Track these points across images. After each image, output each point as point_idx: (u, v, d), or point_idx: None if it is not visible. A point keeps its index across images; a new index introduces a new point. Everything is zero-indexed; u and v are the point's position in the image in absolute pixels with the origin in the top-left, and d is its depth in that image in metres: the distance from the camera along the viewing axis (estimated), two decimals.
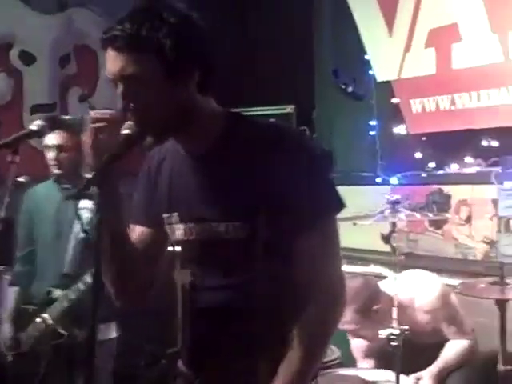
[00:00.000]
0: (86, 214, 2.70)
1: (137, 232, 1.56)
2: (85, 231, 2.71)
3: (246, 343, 1.46)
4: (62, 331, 2.73)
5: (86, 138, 1.38)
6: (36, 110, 4.67)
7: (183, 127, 1.42)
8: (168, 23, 1.34)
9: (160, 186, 1.55)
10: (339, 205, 1.47)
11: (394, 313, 2.41)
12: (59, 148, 2.87)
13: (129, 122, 1.36)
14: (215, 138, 1.46)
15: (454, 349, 2.72)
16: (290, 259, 1.44)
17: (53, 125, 2.70)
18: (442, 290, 2.75)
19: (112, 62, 1.36)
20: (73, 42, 4.89)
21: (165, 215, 1.54)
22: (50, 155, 2.88)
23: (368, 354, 2.91)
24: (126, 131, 1.36)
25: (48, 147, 2.87)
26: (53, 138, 2.86)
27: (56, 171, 2.90)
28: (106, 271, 1.44)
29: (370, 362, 2.90)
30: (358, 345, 2.93)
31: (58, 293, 2.75)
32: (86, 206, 2.68)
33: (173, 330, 1.65)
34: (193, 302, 1.56)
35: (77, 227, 2.78)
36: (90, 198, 1.34)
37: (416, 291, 2.76)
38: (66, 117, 2.89)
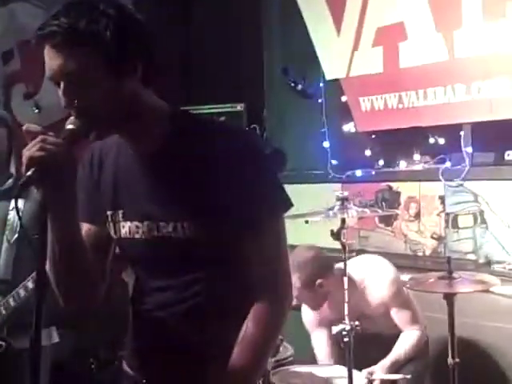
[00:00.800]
0: (16, 216, 2.63)
1: (83, 229, 1.51)
2: (19, 232, 2.64)
3: (193, 344, 1.45)
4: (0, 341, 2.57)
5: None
6: None
7: (129, 123, 1.39)
8: (106, 15, 1.30)
9: (104, 183, 1.52)
10: (286, 204, 1.48)
11: (346, 309, 2.43)
12: None
13: (72, 118, 1.33)
14: (162, 136, 1.43)
15: (406, 340, 2.77)
16: (237, 258, 1.45)
17: None
18: (395, 275, 2.82)
19: (50, 60, 1.32)
20: (16, 37, 4.75)
21: (108, 212, 1.51)
22: None
23: (319, 324, 2.95)
24: (69, 126, 1.32)
25: None
26: None
27: None
28: (53, 272, 1.40)
29: (324, 332, 2.93)
30: (307, 318, 2.99)
31: None
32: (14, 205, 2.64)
33: (124, 331, 1.62)
34: (140, 304, 1.54)
35: (8, 228, 2.65)
36: (19, 196, 1.30)
37: (369, 273, 2.82)
38: None
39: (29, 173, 1.24)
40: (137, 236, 1.48)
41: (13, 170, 2.73)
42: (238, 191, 1.40)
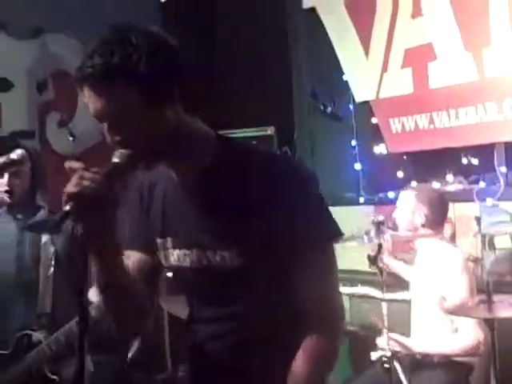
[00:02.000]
0: (50, 248, 2.66)
1: (132, 258, 1.52)
2: (54, 265, 2.64)
3: (243, 374, 1.44)
4: (52, 375, 2.55)
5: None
6: (15, 137, 4.63)
7: (174, 152, 1.40)
8: (138, 48, 1.30)
9: (153, 211, 1.52)
10: (335, 233, 1.44)
11: (385, 335, 2.41)
12: (12, 173, 2.62)
13: (119, 151, 1.34)
14: (207, 163, 1.43)
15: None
16: (287, 288, 1.41)
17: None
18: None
19: (89, 100, 1.33)
20: (50, 67, 4.86)
21: (158, 240, 1.51)
22: (2, 181, 2.61)
23: None
24: (114, 160, 1.33)
25: None
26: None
27: (8, 200, 2.66)
28: (105, 305, 1.43)
29: None
30: None
31: (38, 336, 2.57)
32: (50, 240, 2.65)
33: (159, 356, 1.64)
34: (193, 332, 1.54)
35: (42, 263, 2.65)
36: (51, 231, 1.32)
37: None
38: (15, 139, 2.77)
39: (66, 208, 1.25)
40: (185, 264, 1.48)
41: (41, 202, 2.73)
42: (286, 219, 1.37)
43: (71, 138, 4.86)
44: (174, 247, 1.49)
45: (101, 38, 1.33)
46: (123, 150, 1.33)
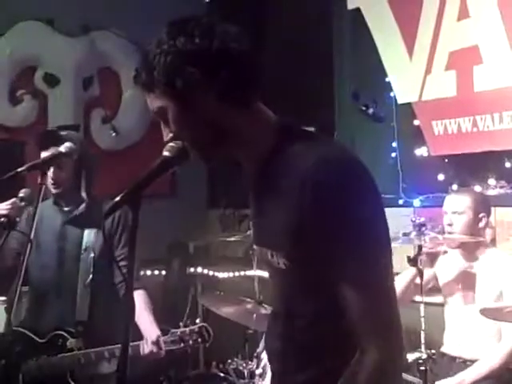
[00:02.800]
0: (90, 255, 2.70)
1: None
2: (93, 273, 2.67)
3: (291, 377, 1.43)
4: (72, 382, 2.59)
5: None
6: (60, 131, 4.74)
7: (230, 145, 1.39)
8: (164, 54, 1.31)
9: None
10: (387, 246, 1.32)
11: (422, 337, 2.39)
12: (57, 172, 2.70)
13: (170, 144, 1.36)
14: (264, 156, 1.39)
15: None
16: (336, 299, 1.31)
17: (52, 141, 2.67)
18: None
19: (147, 100, 1.39)
20: (96, 64, 4.97)
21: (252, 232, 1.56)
22: (49, 173, 2.67)
23: None
24: (165, 153, 1.35)
25: (45, 174, 2.53)
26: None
27: (54, 190, 2.75)
28: None
29: None
30: None
31: (73, 343, 2.61)
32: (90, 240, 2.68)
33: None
34: (269, 323, 1.57)
35: (82, 269, 2.69)
36: (97, 225, 1.35)
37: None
38: (63, 132, 2.79)
39: (117, 198, 1.28)
40: (258, 258, 1.54)
41: (84, 194, 2.77)
42: (334, 226, 1.27)
43: (114, 134, 4.97)
44: (253, 240, 1.53)
45: (148, 47, 1.36)
46: (174, 144, 1.35)
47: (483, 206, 2.94)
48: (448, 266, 3.03)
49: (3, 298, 3.00)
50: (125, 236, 2.73)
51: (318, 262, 1.30)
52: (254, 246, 1.51)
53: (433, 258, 2.97)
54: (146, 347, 2.57)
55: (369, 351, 1.28)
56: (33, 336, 2.66)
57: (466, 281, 2.95)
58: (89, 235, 2.74)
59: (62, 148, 2.55)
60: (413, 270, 2.79)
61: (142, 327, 2.61)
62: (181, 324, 2.74)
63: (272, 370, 1.56)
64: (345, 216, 1.27)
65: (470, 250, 2.91)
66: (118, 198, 1.28)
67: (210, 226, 5.15)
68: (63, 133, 2.77)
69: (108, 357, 2.58)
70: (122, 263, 2.60)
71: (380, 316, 1.29)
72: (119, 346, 1.26)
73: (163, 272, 4.61)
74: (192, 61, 1.30)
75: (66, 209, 2.80)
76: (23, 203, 2.50)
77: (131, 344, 2.45)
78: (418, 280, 2.70)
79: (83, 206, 2.76)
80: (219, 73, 1.31)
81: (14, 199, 2.49)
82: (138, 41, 4.63)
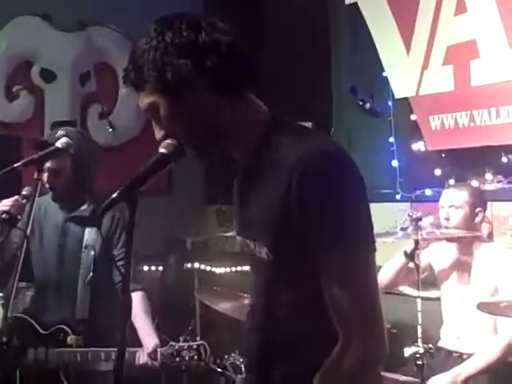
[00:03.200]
0: (91, 252, 2.70)
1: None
2: (93, 271, 2.66)
3: (271, 372, 1.43)
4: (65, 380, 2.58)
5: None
6: (57, 126, 4.72)
7: (222, 140, 1.40)
8: (153, 50, 1.31)
9: (235, 194, 1.55)
10: (368, 246, 1.31)
11: (419, 331, 2.39)
12: (52, 172, 2.66)
13: (167, 141, 1.36)
14: (254, 149, 1.40)
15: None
16: (316, 291, 1.32)
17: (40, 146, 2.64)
18: None
19: (138, 97, 1.39)
20: (93, 59, 4.96)
21: (234, 221, 1.54)
22: (44, 179, 2.63)
23: None
24: (161, 150, 1.35)
25: (42, 170, 2.51)
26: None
27: (48, 186, 2.71)
28: None
29: None
30: None
31: (73, 339, 2.60)
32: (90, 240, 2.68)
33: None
34: (248, 315, 1.56)
35: (82, 267, 2.69)
36: (97, 225, 1.35)
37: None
38: (60, 132, 2.70)
39: (114, 195, 1.27)
40: (239, 249, 1.51)
41: (84, 191, 2.74)
42: (317, 221, 1.27)
43: (111, 130, 4.96)
44: (236, 230, 1.52)
45: (135, 45, 1.36)
46: (170, 141, 1.36)
47: (480, 200, 2.94)
48: (444, 258, 3.04)
49: (0, 294, 2.99)
50: (124, 235, 2.70)
51: (300, 252, 1.31)
52: (238, 237, 1.51)
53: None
54: (142, 357, 2.55)
55: (351, 343, 1.29)
56: (36, 326, 2.67)
57: (462, 275, 2.96)
58: (90, 233, 2.73)
59: (59, 143, 2.55)
60: (402, 259, 2.80)
61: (141, 334, 2.59)
62: (181, 338, 2.70)
63: (250, 365, 1.54)
64: (329, 206, 1.28)
65: (466, 244, 2.91)
66: (114, 195, 1.28)
67: (206, 221, 5.15)
68: (60, 132, 2.70)
69: (104, 358, 2.57)
70: (120, 262, 2.59)
71: (362, 308, 1.30)
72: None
73: (160, 268, 4.61)
74: (181, 53, 1.31)
75: (67, 205, 2.79)
76: (25, 201, 2.50)
77: (129, 350, 2.48)
78: (408, 269, 2.72)
79: (85, 206, 2.74)
80: (208, 64, 1.32)
81: (16, 196, 2.49)
82: (135, 36, 4.62)
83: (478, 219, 2.92)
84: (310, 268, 1.31)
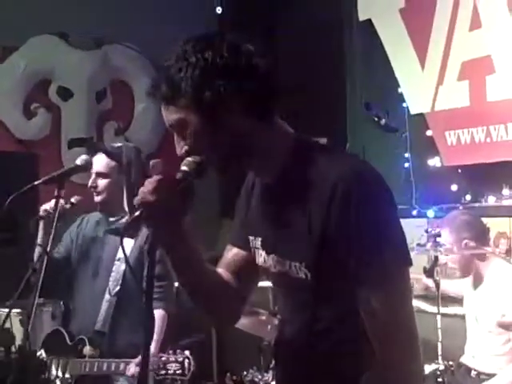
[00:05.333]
0: (122, 266, 2.72)
1: (232, 252, 1.56)
2: (121, 284, 2.70)
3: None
4: None
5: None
6: (73, 143, 4.78)
7: (245, 158, 1.40)
8: (192, 67, 1.31)
9: (251, 209, 1.54)
10: (405, 259, 1.33)
11: (439, 348, 2.37)
12: (98, 174, 2.80)
13: (188, 159, 1.36)
14: (282, 167, 1.41)
15: None
16: (352, 311, 1.34)
17: (94, 151, 2.76)
18: None
19: (163, 114, 1.39)
20: (109, 77, 5.01)
21: (250, 238, 1.52)
22: (90, 181, 2.81)
23: None
24: (183, 168, 1.35)
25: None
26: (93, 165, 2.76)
27: (96, 198, 2.82)
28: (196, 302, 1.50)
29: None
30: None
31: (88, 350, 2.63)
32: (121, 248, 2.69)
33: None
34: (279, 331, 1.57)
35: (112, 279, 2.73)
36: (124, 235, 1.36)
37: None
38: (117, 144, 2.91)
39: (136, 213, 1.28)
40: (266, 266, 1.49)
41: (125, 205, 2.79)
42: (359, 238, 1.29)
43: None
44: (262, 248, 1.50)
45: (167, 60, 1.36)
46: (191, 158, 1.36)
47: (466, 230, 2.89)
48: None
49: (19, 310, 3.02)
50: (160, 254, 2.71)
51: (339, 271, 1.32)
52: (264, 254, 1.49)
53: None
54: (132, 368, 2.54)
55: (387, 360, 1.30)
56: (66, 337, 2.74)
57: (476, 294, 2.93)
58: (125, 246, 2.74)
59: (78, 161, 2.58)
60: None
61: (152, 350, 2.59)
62: (170, 350, 2.66)
63: (282, 378, 1.54)
64: (371, 224, 1.30)
65: (478, 263, 2.87)
66: (137, 213, 1.28)
67: (223, 235, 5.15)
68: (116, 144, 2.84)
69: (113, 370, 2.58)
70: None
71: (400, 327, 1.31)
72: (121, 360, 1.25)
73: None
74: (220, 75, 1.32)
75: (111, 219, 2.85)
76: (68, 206, 2.62)
77: (125, 360, 2.47)
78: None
79: (125, 219, 2.77)
80: (245, 87, 1.33)
81: (61, 200, 2.50)
82: (151, 54, 4.67)
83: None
84: (349, 288, 1.32)
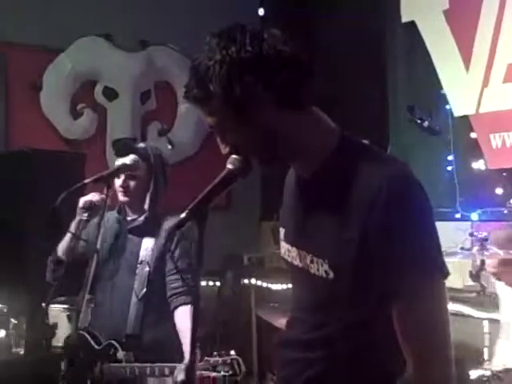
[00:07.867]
0: (146, 268, 2.72)
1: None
2: (147, 286, 2.67)
3: None
4: None
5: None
6: (118, 144, 4.85)
7: (287, 155, 1.40)
8: (218, 65, 1.30)
9: (285, 202, 1.55)
10: (441, 271, 1.31)
11: (486, 354, 2.34)
12: (128, 175, 2.75)
13: (233, 156, 1.37)
14: (322, 162, 1.39)
15: None
16: (377, 320, 1.33)
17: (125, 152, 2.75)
18: None
19: (201, 114, 1.40)
20: (153, 78, 5.09)
21: (281, 229, 1.53)
22: (120, 181, 2.76)
23: None
24: (228, 166, 1.36)
25: (110, 186, 2.59)
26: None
27: (122, 198, 2.79)
28: None
29: None
30: None
31: (122, 355, 2.60)
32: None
33: None
34: (288, 329, 1.53)
35: (137, 283, 2.70)
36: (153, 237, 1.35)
37: None
38: (141, 145, 2.90)
39: (182, 215, 1.28)
40: (289, 259, 1.48)
41: (146, 206, 2.79)
42: (385, 243, 1.27)
43: (170, 147, 5.06)
44: (285, 240, 1.50)
45: (195, 60, 1.36)
46: (236, 156, 1.36)
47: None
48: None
49: (65, 306, 3.07)
50: (180, 249, 2.72)
51: (365, 274, 1.30)
52: (286, 245, 1.48)
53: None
54: (180, 374, 2.48)
55: (420, 368, 1.28)
56: (91, 342, 2.70)
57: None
58: (146, 249, 2.75)
59: (128, 160, 2.62)
60: None
61: (184, 349, 2.54)
62: (215, 353, 2.67)
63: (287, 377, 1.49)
64: (411, 231, 1.28)
65: None
66: (183, 215, 1.28)
67: (263, 237, 5.17)
68: (140, 145, 2.83)
69: (149, 373, 2.54)
70: (173, 277, 2.65)
71: (433, 335, 1.29)
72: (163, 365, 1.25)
73: (217, 283, 4.67)
74: (247, 68, 1.30)
75: (128, 218, 2.83)
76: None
77: (169, 365, 2.45)
78: None
79: (142, 217, 2.78)
80: (274, 77, 1.32)
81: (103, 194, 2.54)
82: (194, 55, 4.72)
83: None
84: (372, 290, 1.31)
